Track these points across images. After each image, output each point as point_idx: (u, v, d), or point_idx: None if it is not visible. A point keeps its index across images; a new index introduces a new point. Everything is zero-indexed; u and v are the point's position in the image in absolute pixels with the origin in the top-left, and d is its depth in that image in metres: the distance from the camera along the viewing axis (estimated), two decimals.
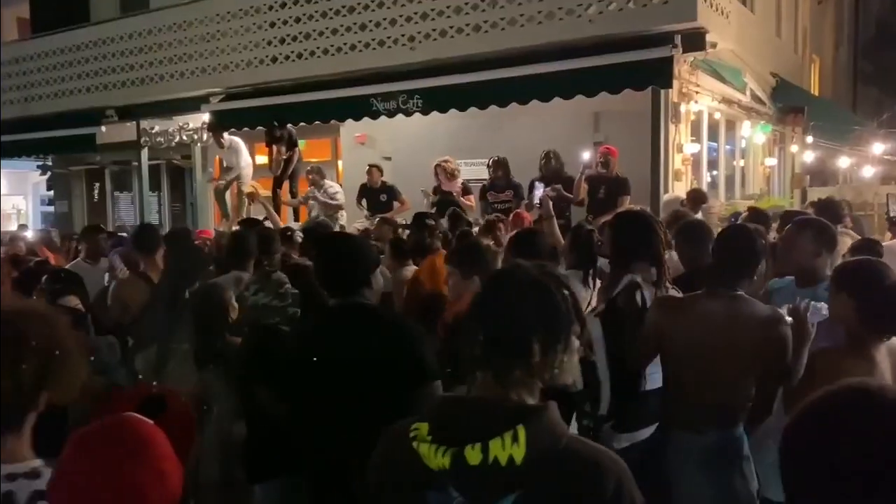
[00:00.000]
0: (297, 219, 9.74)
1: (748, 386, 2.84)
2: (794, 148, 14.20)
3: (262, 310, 3.13)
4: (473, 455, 1.39)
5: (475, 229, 6.53)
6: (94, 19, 12.17)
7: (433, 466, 1.42)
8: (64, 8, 12.75)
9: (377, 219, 7.89)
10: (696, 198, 7.36)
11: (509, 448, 1.39)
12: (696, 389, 2.80)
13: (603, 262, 3.72)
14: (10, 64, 11.92)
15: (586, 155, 7.71)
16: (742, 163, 12.35)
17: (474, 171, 9.51)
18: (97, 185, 15.28)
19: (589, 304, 3.74)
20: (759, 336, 2.76)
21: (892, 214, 9.67)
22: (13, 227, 15.91)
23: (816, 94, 18.19)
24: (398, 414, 2.35)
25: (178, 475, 1.46)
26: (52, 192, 16.74)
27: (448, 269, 3.33)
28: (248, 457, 3.01)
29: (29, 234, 10.09)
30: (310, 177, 9.49)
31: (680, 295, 3.18)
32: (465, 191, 8.49)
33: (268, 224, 7.51)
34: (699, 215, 6.24)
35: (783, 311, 2.92)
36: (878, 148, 13.97)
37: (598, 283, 4.38)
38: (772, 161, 13.50)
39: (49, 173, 15.78)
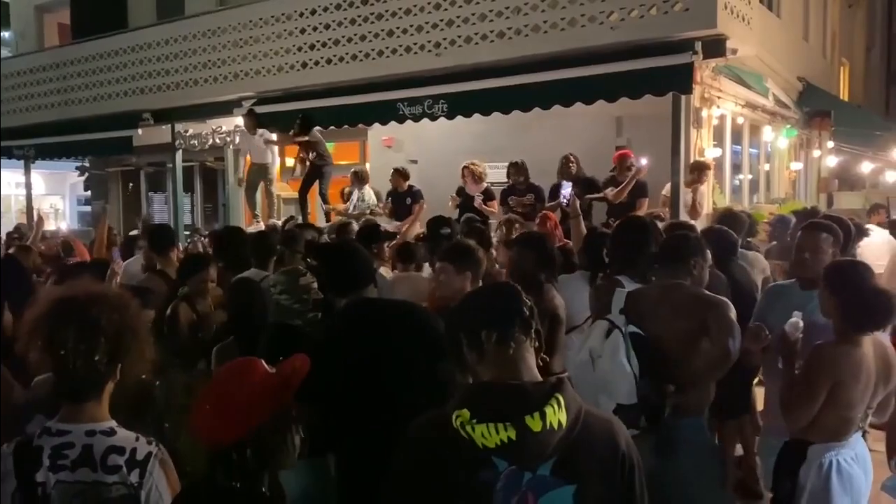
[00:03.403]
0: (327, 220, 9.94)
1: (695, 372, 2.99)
2: (816, 153, 14.16)
3: (284, 310, 3.31)
4: (535, 423, 1.60)
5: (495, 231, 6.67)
6: (131, 25, 12.58)
7: (490, 444, 1.60)
8: (103, 14, 13.19)
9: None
10: None
11: (558, 413, 1.62)
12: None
13: None
14: (50, 69, 12.35)
15: (644, 161, 7.80)
16: (767, 167, 12.37)
17: (499, 174, 9.65)
18: (132, 185, 15.68)
19: None
20: (702, 318, 2.96)
21: (893, 217, 9.72)
22: (53, 226, 16.39)
23: (846, 98, 18.07)
24: (428, 387, 2.58)
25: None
26: (88, 193, 17.24)
27: (440, 264, 3.55)
28: None
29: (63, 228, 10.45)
30: (349, 178, 9.67)
31: None
32: (489, 195, 8.45)
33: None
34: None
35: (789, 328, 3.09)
36: None
37: None
38: (797, 165, 13.48)
39: (87, 174, 16.25)
